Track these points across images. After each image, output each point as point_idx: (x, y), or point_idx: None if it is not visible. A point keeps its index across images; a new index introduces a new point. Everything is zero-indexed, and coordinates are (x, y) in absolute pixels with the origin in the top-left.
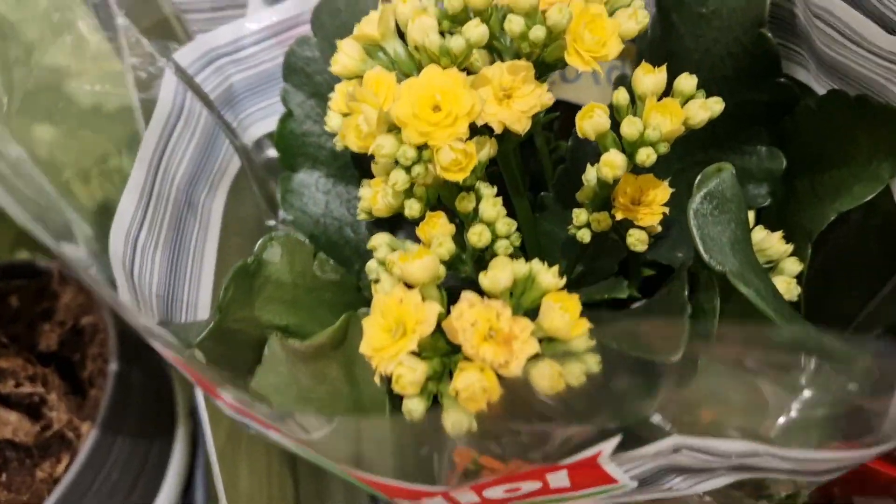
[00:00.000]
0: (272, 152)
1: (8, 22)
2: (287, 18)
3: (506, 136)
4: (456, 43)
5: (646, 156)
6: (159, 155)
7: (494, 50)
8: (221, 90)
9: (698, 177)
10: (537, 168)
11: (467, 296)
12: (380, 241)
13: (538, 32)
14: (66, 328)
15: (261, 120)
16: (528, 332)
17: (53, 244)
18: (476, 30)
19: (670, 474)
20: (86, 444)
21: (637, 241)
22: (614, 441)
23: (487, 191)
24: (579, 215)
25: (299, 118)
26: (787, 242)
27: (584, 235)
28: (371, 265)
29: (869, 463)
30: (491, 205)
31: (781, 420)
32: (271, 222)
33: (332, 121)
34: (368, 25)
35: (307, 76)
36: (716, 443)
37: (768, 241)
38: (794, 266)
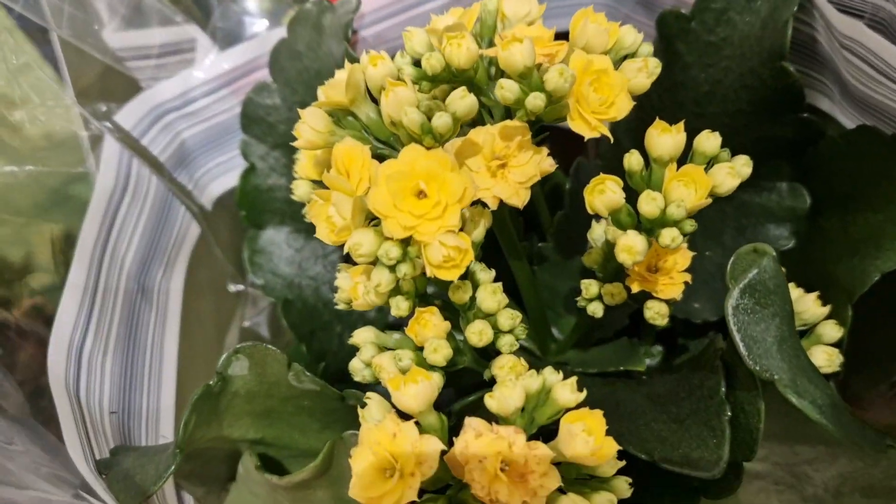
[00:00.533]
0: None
1: None
2: (241, 65)
3: (501, 208)
4: (441, 122)
5: (671, 239)
6: (103, 242)
7: (483, 106)
8: (172, 149)
9: (730, 263)
10: (530, 208)
11: (472, 424)
12: (364, 337)
13: (537, 101)
14: (24, 395)
15: (220, 176)
16: (546, 462)
17: None
18: (462, 102)
19: None
20: None
21: (657, 314)
22: None
23: (485, 275)
24: (589, 287)
25: (263, 172)
26: (821, 299)
27: (597, 310)
28: (356, 365)
29: None
30: (490, 293)
31: None
32: (239, 287)
33: (300, 189)
34: (335, 90)
35: (269, 126)
36: None
37: (803, 304)
38: (834, 331)
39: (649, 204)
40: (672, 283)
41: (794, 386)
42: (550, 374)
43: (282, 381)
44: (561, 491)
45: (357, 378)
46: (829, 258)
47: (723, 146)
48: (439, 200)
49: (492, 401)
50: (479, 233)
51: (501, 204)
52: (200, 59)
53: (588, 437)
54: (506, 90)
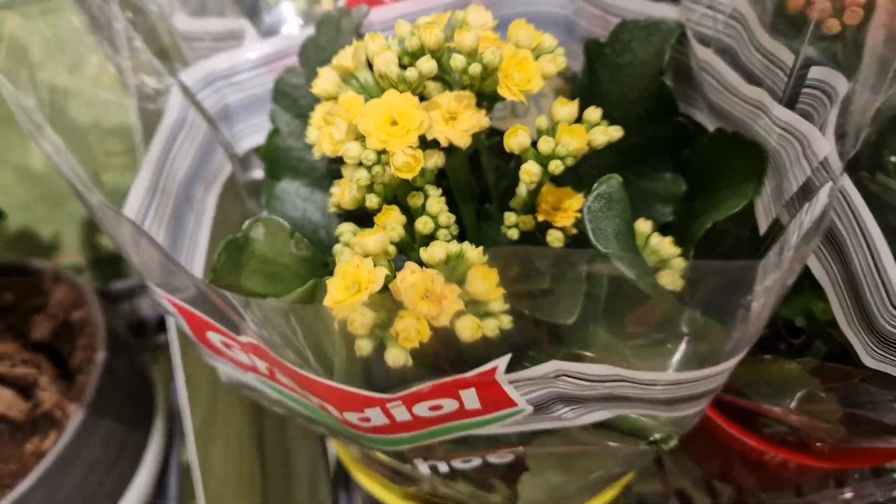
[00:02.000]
0: (258, 166)
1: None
2: (278, 51)
3: (452, 151)
4: (411, 73)
5: (555, 166)
6: (164, 157)
7: (445, 83)
8: (219, 108)
9: (595, 184)
10: (486, 184)
11: (410, 265)
12: (345, 228)
13: (475, 68)
14: (57, 321)
15: (251, 135)
16: (455, 294)
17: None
18: (427, 64)
19: (559, 403)
20: (72, 423)
21: (554, 238)
22: (506, 359)
23: (433, 192)
24: (510, 217)
25: (284, 135)
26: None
27: (513, 234)
28: (337, 247)
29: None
30: (435, 202)
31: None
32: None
33: (312, 134)
34: (344, 58)
35: (293, 100)
36: (586, 367)
37: (661, 245)
38: (679, 263)
39: (544, 144)
40: (566, 217)
41: (618, 257)
42: (466, 245)
43: (285, 249)
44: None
45: (337, 257)
46: (692, 225)
47: (627, 143)
48: (404, 125)
49: (424, 253)
50: (433, 161)
51: (453, 150)
52: (248, 44)
53: (485, 282)
54: (457, 60)
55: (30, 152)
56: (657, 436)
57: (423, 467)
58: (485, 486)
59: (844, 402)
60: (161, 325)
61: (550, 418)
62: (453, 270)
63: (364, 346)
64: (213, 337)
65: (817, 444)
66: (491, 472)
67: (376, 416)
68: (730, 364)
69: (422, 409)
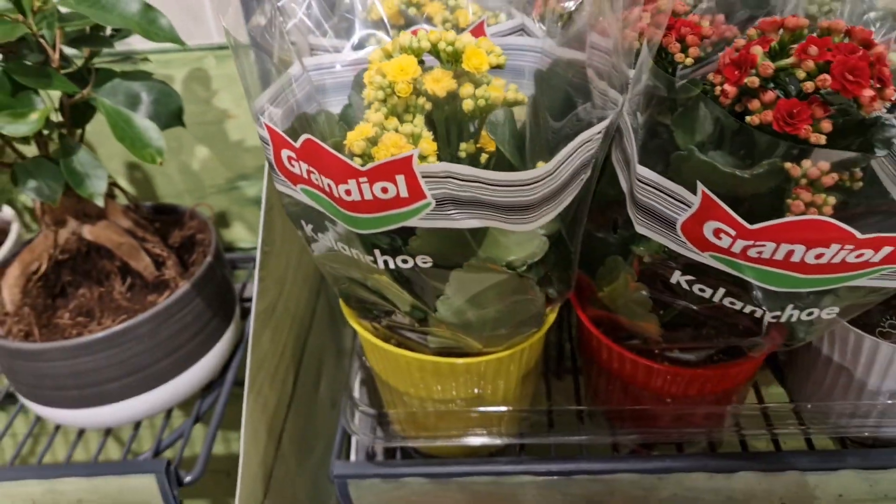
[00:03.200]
0: None
1: None
2: (359, 59)
3: (437, 104)
4: (414, 44)
5: (482, 104)
6: (285, 86)
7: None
8: (320, 83)
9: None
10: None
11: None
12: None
13: (448, 49)
14: (185, 237)
15: (334, 106)
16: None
17: None
18: (423, 41)
19: (449, 204)
20: (179, 290)
21: (484, 158)
22: (417, 150)
23: (419, 121)
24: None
25: (354, 108)
26: None
27: (463, 154)
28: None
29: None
30: (419, 121)
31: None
32: None
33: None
34: (388, 44)
35: (362, 87)
36: (458, 168)
37: None
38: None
39: (466, 89)
40: (492, 145)
41: (504, 147)
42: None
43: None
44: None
45: None
46: None
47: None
48: (406, 71)
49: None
50: (422, 100)
51: (436, 102)
52: (344, 53)
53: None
54: (443, 45)
55: (193, 156)
56: (520, 267)
57: (380, 260)
58: (422, 296)
59: (654, 295)
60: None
61: (447, 217)
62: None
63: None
64: (285, 154)
65: (656, 350)
66: (423, 280)
67: (354, 190)
68: (547, 169)
69: (377, 190)
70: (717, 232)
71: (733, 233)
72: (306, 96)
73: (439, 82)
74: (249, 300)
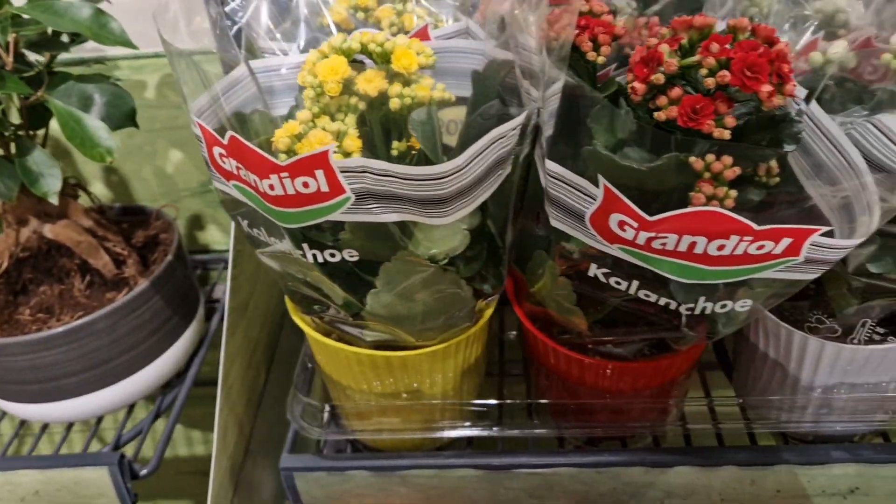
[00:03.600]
0: None
1: None
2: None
3: (372, 105)
4: (345, 45)
5: (408, 101)
6: (227, 89)
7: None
8: (268, 85)
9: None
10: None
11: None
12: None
13: (377, 49)
14: (149, 237)
15: (281, 108)
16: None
17: None
18: (352, 43)
19: (369, 199)
20: (137, 288)
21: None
22: (333, 145)
23: (350, 119)
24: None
25: (301, 108)
26: None
27: (395, 153)
28: None
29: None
30: (351, 120)
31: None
32: None
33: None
34: (324, 45)
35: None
36: (374, 163)
37: None
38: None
39: (395, 89)
40: (417, 144)
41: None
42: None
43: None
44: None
45: None
46: None
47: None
48: (336, 71)
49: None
50: (354, 100)
51: (369, 102)
52: (291, 56)
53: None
54: (373, 46)
55: (167, 159)
56: (442, 261)
57: (308, 254)
58: (354, 290)
59: (577, 289)
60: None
61: (367, 211)
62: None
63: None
64: (216, 152)
65: (589, 344)
66: (354, 274)
67: (277, 185)
68: (458, 163)
69: (299, 185)
70: (621, 224)
71: (636, 224)
72: (252, 97)
73: (371, 82)
74: (217, 301)
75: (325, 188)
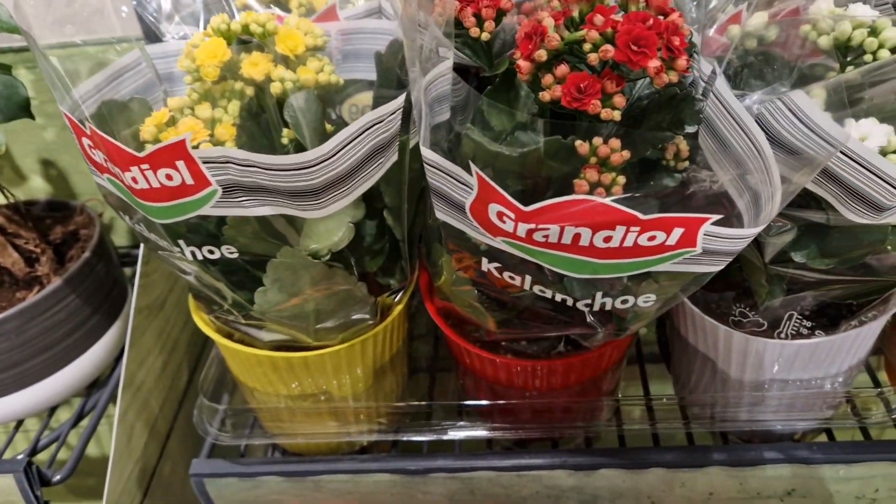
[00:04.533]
0: None
1: None
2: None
3: (260, 88)
4: (224, 28)
5: (289, 86)
6: (114, 76)
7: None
8: (166, 72)
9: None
10: None
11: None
12: None
13: (259, 30)
14: (67, 233)
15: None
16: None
17: None
18: (234, 25)
19: (238, 191)
20: (48, 287)
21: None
22: (189, 134)
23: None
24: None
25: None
26: None
27: (285, 141)
28: None
29: None
30: (234, 107)
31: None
32: None
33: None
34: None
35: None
36: (237, 153)
37: None
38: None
39: (279, 72)
40: None
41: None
42: None
43: None
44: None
45: None
46: None
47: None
48: (215, 54)
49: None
50: (239, 85)
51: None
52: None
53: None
54: (256, 28)
55: None
56: (324, 257)
57: (187, 251)
58: (242, 288)
59: (477, 285)
60: None
61: (237, 205)
62: None
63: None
64: (86, 143)
65: (503, 341)
66: (242, 272)
67: (139, 178)
68: (324, 151)
69: (162, 177)
70: (500, 215)
71: (513, 216)
72: (148, 84)
73: (256, 66)
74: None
75: (189, 180)
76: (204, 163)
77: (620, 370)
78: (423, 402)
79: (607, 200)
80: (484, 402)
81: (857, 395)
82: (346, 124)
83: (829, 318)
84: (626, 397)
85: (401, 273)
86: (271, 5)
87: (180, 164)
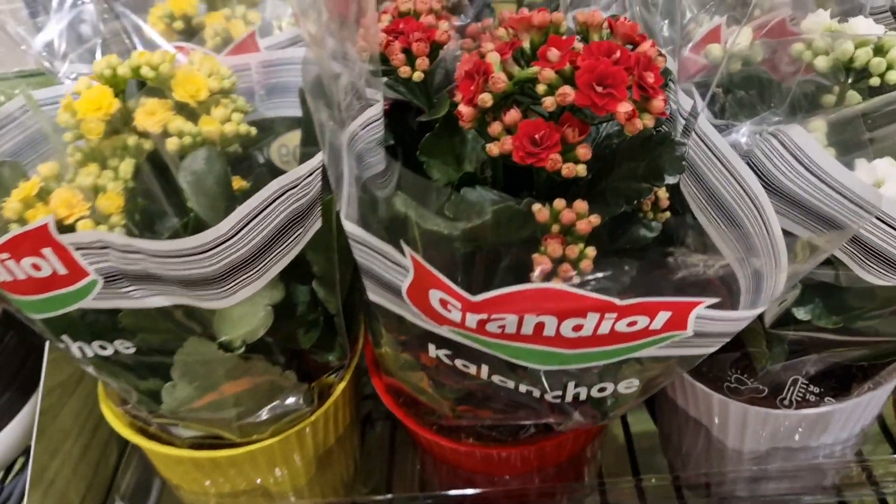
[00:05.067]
0: None
1: None
2: None
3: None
4: (108, 74)
5: (186, 141)
6: None
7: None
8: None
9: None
10: None
11: None
12: None
13: (152, 74)
14: None
15: None
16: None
17: None
18: (121, 68)
19: (124, 280)
20: None
21: None
22: (52, 217)
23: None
24: None
25: None
26: None
27: None
28: None
29: None
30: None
31: None
32: None
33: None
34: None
35: None
36: (116, 238)
37: None
38: None
39: (182, 125)
40: None
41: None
42: None
43: None
44: None
45: None
46: None
47: None
48: (99, 105)
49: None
50: (133, 140)
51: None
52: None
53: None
54: (149, 73)
55: None
56: (238, 349)
57: (73, 348)
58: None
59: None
60: None
61: (124, 296)
62: None
63: None
64: None
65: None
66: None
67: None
68: (221, 232)
69: (28, 268)
70: (443, 303)
71: (458, 305)
72: (29, 140)
73: (153, 115)
74: None
75: (62, 270)
76: (77, 249)
77: (601, 439)
78: (380, 497)
79: (573, 289)
80: (451, 493)
81: (875, 464)
82: (274, 170)
83: (838, 379)
84: (612, 480)
85: (340, 349)
86: (182, 38)
87: (47, 251)
